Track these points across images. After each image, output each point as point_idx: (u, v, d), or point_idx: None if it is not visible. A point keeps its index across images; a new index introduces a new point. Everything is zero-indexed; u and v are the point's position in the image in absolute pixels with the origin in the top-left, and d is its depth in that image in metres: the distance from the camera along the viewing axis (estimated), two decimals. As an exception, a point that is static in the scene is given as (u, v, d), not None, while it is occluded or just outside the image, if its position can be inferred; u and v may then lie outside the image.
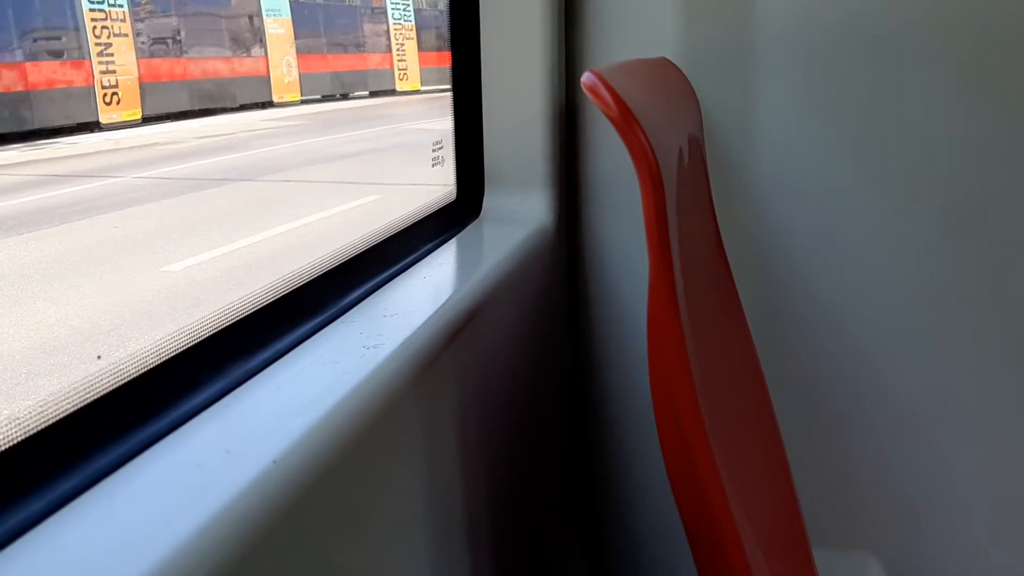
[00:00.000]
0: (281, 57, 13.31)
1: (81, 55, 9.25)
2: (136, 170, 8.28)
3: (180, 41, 11.50)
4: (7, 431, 0.56)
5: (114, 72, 9.68)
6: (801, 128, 1.32)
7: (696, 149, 1.19)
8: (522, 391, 1.22)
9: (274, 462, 0.58)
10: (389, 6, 15.57)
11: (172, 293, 4.50)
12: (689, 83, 1.28)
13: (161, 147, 9.73)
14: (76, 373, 3.37)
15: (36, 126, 8.45)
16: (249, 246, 5.47)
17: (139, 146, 9.61)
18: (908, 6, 1.26)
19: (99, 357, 3.33)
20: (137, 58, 10.08)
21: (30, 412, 0.57)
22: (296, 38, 13.70)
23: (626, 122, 0.71)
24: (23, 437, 0.56)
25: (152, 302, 4.34)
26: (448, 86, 1.32)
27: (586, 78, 0.73)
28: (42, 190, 7.18)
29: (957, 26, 1.25)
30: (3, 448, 0.54)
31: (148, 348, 0.68)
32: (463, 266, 1.17)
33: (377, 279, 1.00)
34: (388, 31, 15.63)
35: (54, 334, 3.84)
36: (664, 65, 1.25)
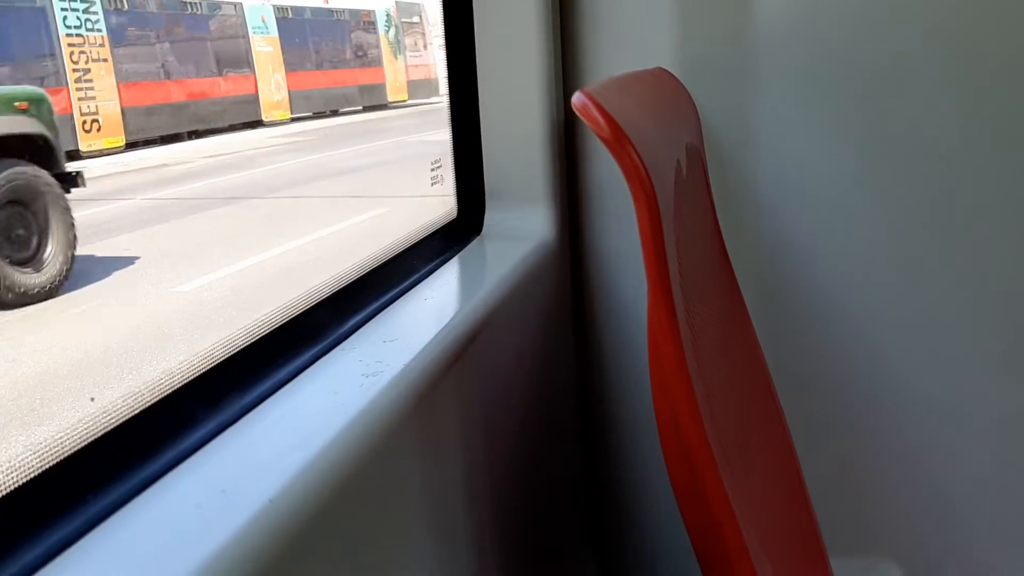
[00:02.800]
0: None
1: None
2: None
3: None
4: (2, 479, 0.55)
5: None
6: (801, 131, 1.31)
7: (695, 157, 1.18)
8: (527, 408, 1.21)
9: (270, 501, 0.58)
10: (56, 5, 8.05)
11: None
12: (687, 92, 1.27)
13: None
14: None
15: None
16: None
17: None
18: (905, 9, 1.25)
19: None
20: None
21: (23, 456, 0.57)
22: None
23: (619, 142, 0.70)
24: (18, 484, 0.55)
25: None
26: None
27: (576, 99, 0.72)
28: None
29: (955, 31, 1.24)
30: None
31: (143, 387, 0.67)
32: (465, 285, 1.17)
33: (378, 302, 0.99)
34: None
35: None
36: (660, 75, 1.24)
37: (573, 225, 1.37)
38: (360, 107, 15.16)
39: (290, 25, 13.40)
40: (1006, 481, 1.38)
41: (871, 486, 1.42)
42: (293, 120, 12.92)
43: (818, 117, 1.30)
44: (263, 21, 12.55)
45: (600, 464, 1.46)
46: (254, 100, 12.17)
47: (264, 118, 12.31)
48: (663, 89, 1.19)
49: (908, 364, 1.36)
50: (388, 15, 15.89)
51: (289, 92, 12.90)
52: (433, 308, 1.02)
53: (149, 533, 0.57)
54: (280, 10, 13.00)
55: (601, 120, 0.71)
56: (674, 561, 1.43)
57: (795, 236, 1.34)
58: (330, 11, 14.91)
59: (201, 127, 10.78)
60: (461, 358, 0.90)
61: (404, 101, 15.93)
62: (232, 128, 11.52)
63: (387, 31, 15.75)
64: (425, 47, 16.62)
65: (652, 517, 1.44)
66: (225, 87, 11.63)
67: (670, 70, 1.28)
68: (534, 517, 1.23)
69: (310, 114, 13.67)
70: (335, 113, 14.65)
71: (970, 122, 1.27)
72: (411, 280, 1.08)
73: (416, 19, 16.73)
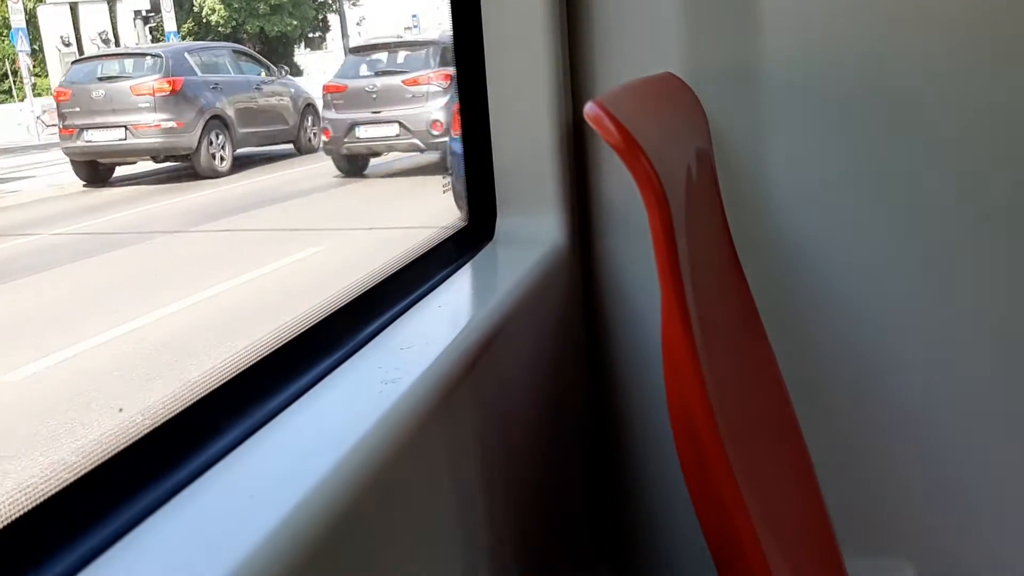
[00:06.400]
0: None
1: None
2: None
3: None
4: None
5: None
6: (810, 135, 1.32)
7: (705, 162, 1.19)
8: (541, 413, 1.22)
9: (297, 506, 0.59)
10: None
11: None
12: (696, 96, 1.28)
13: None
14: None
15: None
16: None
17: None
18: (915, 15, 1.25)
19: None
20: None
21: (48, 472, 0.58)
22: None
23: (630, 150, 0.71)
24: (45, 497, 0.57)
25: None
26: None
27: (589, 108, 0.73)
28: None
29: (967, 36, 1.25)
30: (18, 514, 0.55)
31: (170, 395, 0.69)
32: (478, 292, 1.18)
33: (394, 310, 1.00)
34: None
35: None
36: (669, 80, 1.25)
37: (584, 229, 1.38)
38: None
39: None
40: (1022, 480, 1.38)
41: (885, 486, 1.42)
42: None
43: (828, 120, 1.31)
44: None
45: (614, 467, 1.47)
46: None
47: None
48: (672, 94, 1.20)
49: (922, 365, 1.37)
50: None
51: None
52: (448, 314, 1.03)
53: (179, 540, 0.58)
54: None
55: (613, 129, 0.72)
56: (690, 563, 1.44)
57: (805, 239, 1.35)
58: None
59: None
60: (477, 364, 0.91)
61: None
62: None
63: None
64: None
65: (667, 520, 1.45)
66: None
67: (678, 75, 1.29)
68: (550, 520, 1.24)
69: None
70: None
71: (981, 126, 1.27)
72: (425, 287, 1.09)
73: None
